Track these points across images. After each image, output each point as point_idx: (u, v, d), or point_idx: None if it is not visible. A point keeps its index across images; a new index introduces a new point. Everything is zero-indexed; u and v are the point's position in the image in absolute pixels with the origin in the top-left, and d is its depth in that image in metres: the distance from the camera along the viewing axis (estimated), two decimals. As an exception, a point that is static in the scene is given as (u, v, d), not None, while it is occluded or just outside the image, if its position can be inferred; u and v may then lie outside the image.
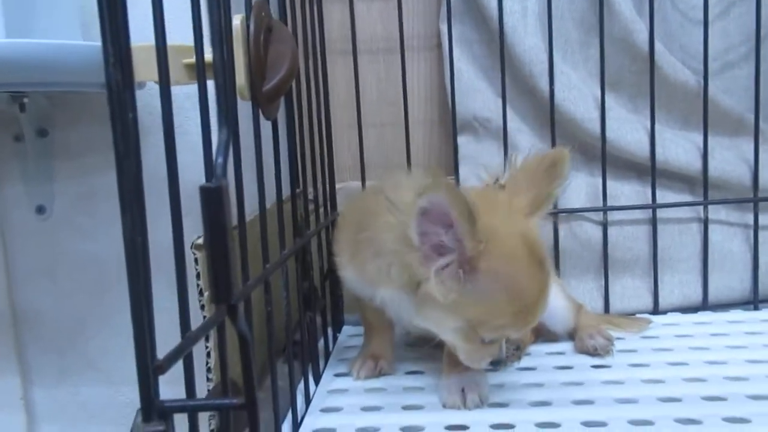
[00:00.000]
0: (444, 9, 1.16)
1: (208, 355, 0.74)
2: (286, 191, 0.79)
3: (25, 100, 0.82)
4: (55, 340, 0.93)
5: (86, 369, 0.93)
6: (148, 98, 0.76)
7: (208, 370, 0.74)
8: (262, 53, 0.68)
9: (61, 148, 0.88)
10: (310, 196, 1.06)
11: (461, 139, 1.18)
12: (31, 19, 0.69)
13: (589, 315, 1.02)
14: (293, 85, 0.92)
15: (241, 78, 0.65)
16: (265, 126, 0.71)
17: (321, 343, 1.02)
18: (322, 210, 1.08)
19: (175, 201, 0.46)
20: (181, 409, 0.40)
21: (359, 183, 1.18)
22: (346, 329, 1.15)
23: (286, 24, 0.88)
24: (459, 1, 1.18)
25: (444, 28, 1.17)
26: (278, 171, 0.76)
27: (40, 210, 0.90)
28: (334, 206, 1.15)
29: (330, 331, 1.08)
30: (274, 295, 0.70)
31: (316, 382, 0.91)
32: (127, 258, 0.39)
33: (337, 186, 1.17)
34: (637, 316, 1.10)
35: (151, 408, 0.40)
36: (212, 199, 0.33)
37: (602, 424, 0.73)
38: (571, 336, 0.99)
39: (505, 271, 0.69)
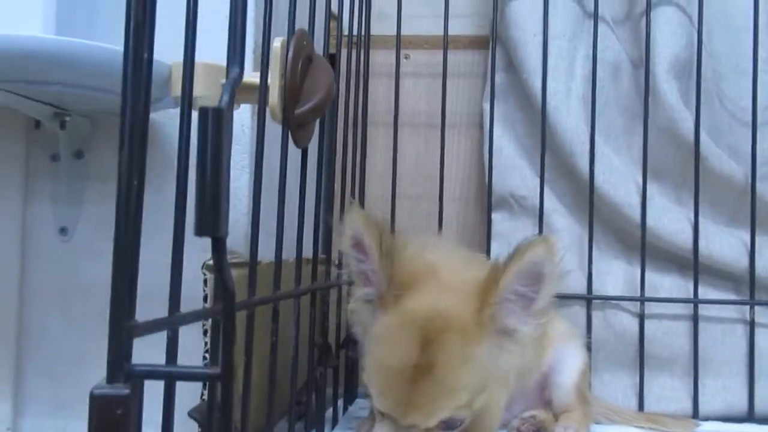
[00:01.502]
0: (488, 87, 1.18)
1: (205, 333, 0.70)
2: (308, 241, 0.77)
3: (67, 118, 0.84)
4: (54, 367, 0.90)
5: (80, 402, 0.87)
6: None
7: (206, 351, 0.70)
8: (298, 78, 0.68)
9: (95, 172, 0.89)
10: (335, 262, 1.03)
11: (496, 216, 1.15)
12: (85, 20, 0.71)
13: (587, 408, 0.92)
14: (330, 149, 0.93)
15: (274, 98, 0.66)
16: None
17: (330, 411, 0.96)
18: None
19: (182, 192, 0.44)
20: (151, 375, 0.36)
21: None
22: (360, 402, 1.08)
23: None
24: (503, 81, 1.20)
25: (486, 106, 1.18)
26: (302, 209, 0.74)
27: (63, 231, 0.89)
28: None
29: (341, 402, 1.02)
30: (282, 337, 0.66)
31: (319, 444, 0.84)
32: (118, 200, 0.37)
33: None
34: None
35: (119, 369, 0.36)
36: (211, 119, 0.31)
37: None
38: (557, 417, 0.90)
39: (387, 341, 0.68)
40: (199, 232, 0.31)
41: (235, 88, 0.36)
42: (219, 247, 0.32)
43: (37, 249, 0.90)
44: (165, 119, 0.84)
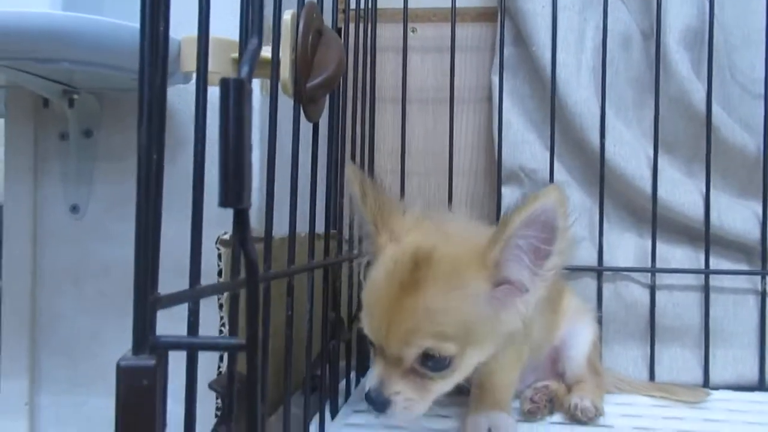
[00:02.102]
0: (497, 61, 1.17)
1: (221, 307, 0.70)
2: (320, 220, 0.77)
3: (75, 96, 0.84)
4: (70, 346, 0.91)
5: (97, 380, 0.90)
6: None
7: (222, 325, 0.70)
8: (309, 51, 0.67)
9: (104, 150, 0.89)
10: (346, 237, 1.03)
11: (506, 190, 1.15)
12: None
13: (600, 380, 0.92)
14: (340, 125, 0.93)
15: (285, 72, 0.65)
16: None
17: (343, 383, 0.97)
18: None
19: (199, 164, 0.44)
20: (175, 346, 0.36)
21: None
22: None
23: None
24: (512, 54, 1.19)
25: (495, 79, 1.17)
26: (314, 184, 0.74)
27: (74, 209, 0.89)
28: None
29: (354, 374, 1.03)
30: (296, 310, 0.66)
31: (333, 416, 0.85)
32: (139, 175, 0.37)
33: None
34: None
35: (144, 341, 0.36)
36: (233, 90, 0.31)
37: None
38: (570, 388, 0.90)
39: (382, 265, 0.69)
40: (224, 203, 0.31)
41: (256, 59, 0.36)
42: (242, 219, 0.32)
43: (49, 228, 0.91)
44: (175, 96, 0.84)
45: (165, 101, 0.36)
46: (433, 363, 0.65)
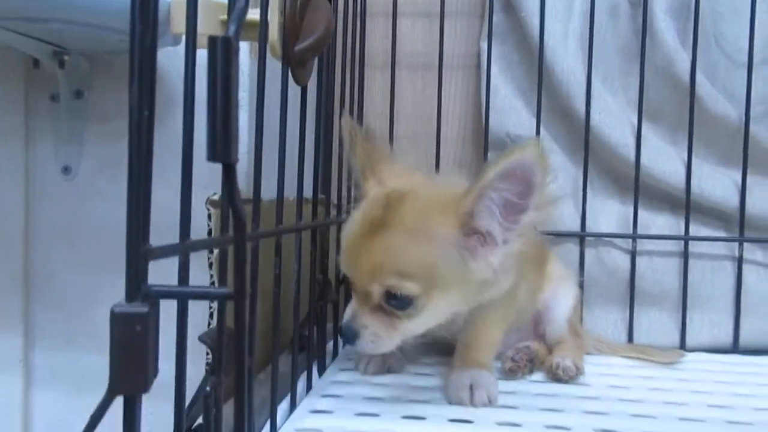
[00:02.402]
0: (486, 27, 1.17)
1: (210, 266, 0.73)
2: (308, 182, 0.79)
3: (66, 57, 0.84)
4: (63, 304, 0.92)
5: (91, 337, 0.92)
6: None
7: (212, 283, 0.72)
8: (297, 14, 0.68)
9: (95, 111, 0.90)
10: (334, 201, 1.05)
11: (492, 155, 1.17)
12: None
13: (580, 341, 0.96)
14: (328, 89, 0.94)
15: (273, 34, 0.66)
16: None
17: (330, 345, 0.99)
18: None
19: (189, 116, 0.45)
20: (167, 295, 0.38)
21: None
22: (358, 336, 1.11)
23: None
24: (501, 20, 1.19)
25: (484, 46, 1.18)
26: (302, 149, 0.75)
27: (66, 170, 0.90)
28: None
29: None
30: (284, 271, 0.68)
31: (320, 374, 0.88)
32: (130, 131, 0.38)
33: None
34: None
35: (136, 290, 0.38)
36: (220, 48, 0.32)
37: (615, 432, 0.68)
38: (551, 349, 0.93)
39: (360, 206, 0.74)
40: (212, 158, 0.33)
41: (243, 18, 0.37)
42: (230, 174, 0.34)
43: (41, 189, 0.92)
44: (164, 58, 0.84)
45: (155, 60, 0.37)
46: (396, 301, 0.68)
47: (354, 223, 0.72)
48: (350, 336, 0.70)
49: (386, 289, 0.67)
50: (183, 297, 0.39)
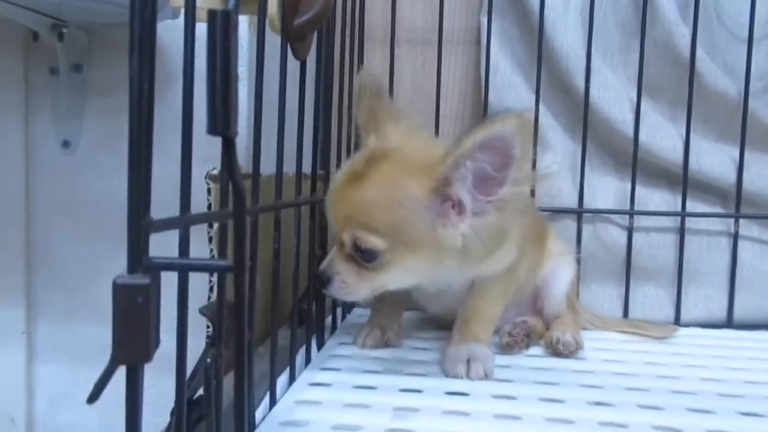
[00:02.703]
0: (486, 2, 1.17)
1: (210, 240, 0.73)
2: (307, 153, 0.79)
3: (65, 30, 0.84)
4: (65, 277, 0.93)
5: (92, 310, 0.93)
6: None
7: (212, 256, 0.73)
8: (296, -13, 0.68)
9: (94, 85, 0.90)
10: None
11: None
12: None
13: (577, 316, 0.97)
14: (328, 64, 0.94)
15: (272, 8, 0.66)
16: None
17: (329, 319, 1.00)
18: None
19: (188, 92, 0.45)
20: (168, 267, 0.39)
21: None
22: (357, 311, 1.12)
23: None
24: (502, -5, 1.19)
25: (484, 21, 1.17)
26: (301, 125, 0.75)
27: (66, 145, 0.91)
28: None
29: (340, 310, 1.07)
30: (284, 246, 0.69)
31: (319, 348, 0.89)
32: (131, 104, 0.39)
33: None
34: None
35: (138, 262, 0.38)
36: (220, 21, 0.32)
37: (609, 405, 0.69)
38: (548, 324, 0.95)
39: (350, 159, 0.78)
40: (212, 131, 0.33)
41: (242, -8, 0.37)
42: (230, 147, 0.34)
43: (41, 163, 0.92)
44: (163, 31, 0.84)
45: (155, 32, 0.37)
46: (362, 253, 0.70)
47: (340, 173, 0.75)
48: (323, 280, 0.73)
49: (353, 239, 0.69)
50: (183, 269, 0.40)
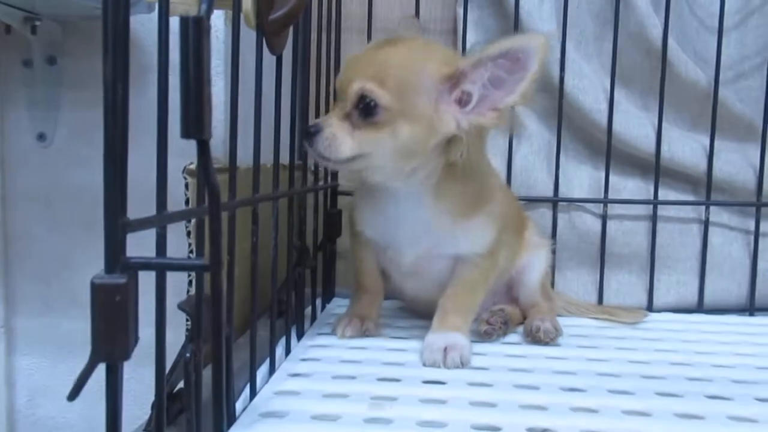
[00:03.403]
0: (462, -8, 1.17)
1: (188, 234, 0.74)
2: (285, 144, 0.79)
3: (38, 23, 0.83)
4: (43, 270, 0.93)
5: (70, 302, 0.93)
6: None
7: (190, 252, 0.74)
8: (271, -18, 0.68)
9: (69, 77, 0.89)
10: (311, 167, 1.06)
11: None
12: None
13: (552, 304, 0.99)
14: (306, 56, 0.94)
15: (247, 4, 0.66)
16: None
17: (309, 310, 1.01)
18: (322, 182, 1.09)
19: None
20: (145, 266, 0.39)
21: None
22: (337, 300, 1.13)
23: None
24: (478, -15, 1.19)
25: (460, 11, 1.18)
26: (278, 117, 0.76)
27: (41, 137, 0.90)
28: (335, 176, 1.14)
29: (319, 300, 1.07)
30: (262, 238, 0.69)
31: (299, 338, 0.90)
32: (105, 105, 0.39)
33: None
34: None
35: (115, 262, 0.39)
36: (192, 28, 0.33)
37: (581, 390, 0.71)
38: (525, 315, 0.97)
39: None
40: (186, 135, 0.34)
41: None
42: (204, 149, 0.35)
43: (17, 155, 0.92)
44: (137, 24, 0.84)
45: (128, 36, 0.38)
46: (364, 106, 0.73)
47: (359, 51, 0.80)
48: (312, 132, 0.75)
49: (360, 91, 0.73)
50: (160, 268, 0.41)
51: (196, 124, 0.33)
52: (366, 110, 0.73)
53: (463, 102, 0.73)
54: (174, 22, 0.48)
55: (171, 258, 0.40)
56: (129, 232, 0.41)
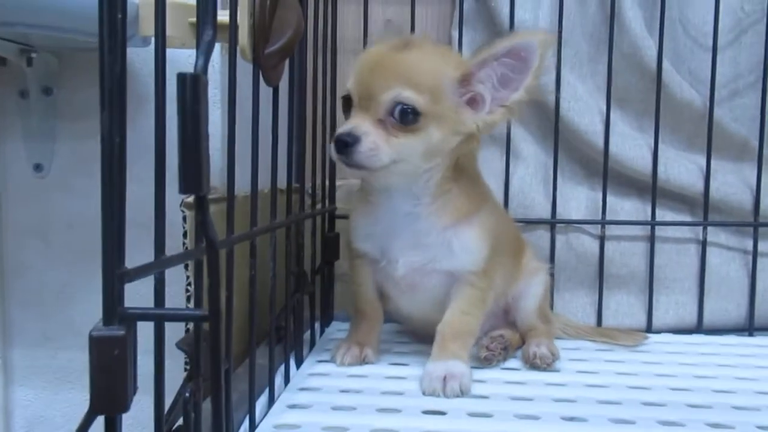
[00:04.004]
0: (457, 15, 1.18)
1: (189, 285, 0.74)
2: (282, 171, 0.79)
3: (34, 54, 0.84)
4: (39, 301, 0.93)
5: (68, 333, 0.93)
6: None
7: (188, 299, 0.73)
8: (266, 15, 0.68)
9: (65, 108, 0.89)
10: (309, 190, 1.06)
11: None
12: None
13: (550, 327, 0.99)
14: (302, 83, 0.94)
15: (244, 38, 0.66)
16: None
17: (307, 334, 1.01)
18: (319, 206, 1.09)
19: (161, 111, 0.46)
20: (143, 317, 0.39)
21: (360, 181, 1.18)
22: (336, 324, 1.13)
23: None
24: (472, 8, 1.20)
25: (455, 34, 1.18)
26: (275, 146, 0.76)
27: (38, 168, 0.90)
28: (333, 200, 1.14)
29: (318, 324, 1.07)
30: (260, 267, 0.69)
31: (298, 366, 0.89)
32: (103, 157, 0.39)
33: (338, 183, 1.17)
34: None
35: (113, 313, 0.39)
36: (189, 85, 0.33)
37: (582, 420, 0.71)
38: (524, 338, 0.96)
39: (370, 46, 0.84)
40: (184, 190, 0.34)
41: (211, 52, 0.37)
42: (202, 204, 0.35)
43: (14, 186, 0.92)
44: (134, 55, 0.84)
45: (125, 88, 0.38)
46: (401, 112, 0.74)
47: (372, 48, 0.81)
48: (351, 141, 0.74)
49: (398, 98, 0.73)
50: (159, 319, 0.40)
51: (194, 181, 0.33)
52: (404, 117, 0.74)
53: (475, 102, 0.76)
54: (170, 54, 0.48)
55: (169, 309, 0.40)
56: (127, 282, 0.40)
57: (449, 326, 0.84)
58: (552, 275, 1.06)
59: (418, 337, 0.97)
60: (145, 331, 0.43)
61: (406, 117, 0.74)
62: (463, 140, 0.79)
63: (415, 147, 0.76)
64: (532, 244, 1.08)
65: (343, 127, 0.76)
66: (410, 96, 0.73)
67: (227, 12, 0.64)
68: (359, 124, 0.75)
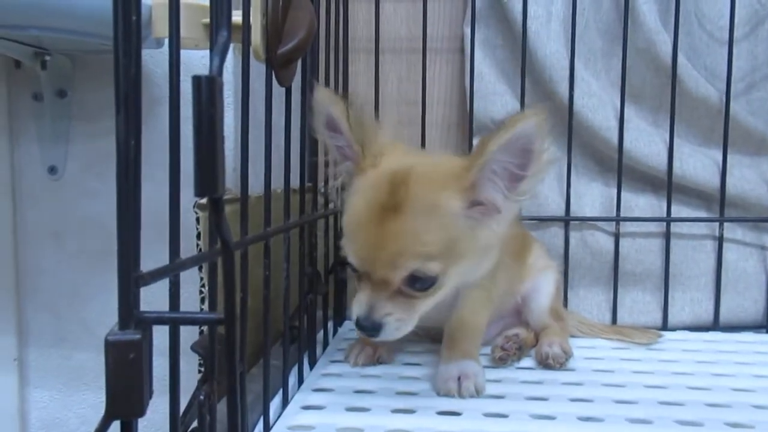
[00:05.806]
0: (469, 12, 1.17)
1: (203, 286, 0.74)
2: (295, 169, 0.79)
3: (47, 57, 0.84)
4: (54, 302, 0.93)
5: (82, 333, 0.93)
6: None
7: (202, 300, 0.73)
8: (279, 15, 0.68)
9: (79, 110, 0.90)
10: (321, 190, 1.06)
11: (477, 141, 1.17)
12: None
13: (563, 324, 0.98)
14: (313, 75, 0.94)
15: (257, 38, 0.66)
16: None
17: (320, 334, 1.01)
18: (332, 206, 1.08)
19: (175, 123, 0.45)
20: (158, 321, 0.39)
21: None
22: (349, 324, 1.13)
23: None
24: (484, 5, 1.19)
25: (468, 30, 1.18)
26: (288, 146, 0.75)
27: (52, 170, 0.90)
28: (345, 199, 1.14)
29: (331, 323, 1.07)
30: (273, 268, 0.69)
31: (311, 366, 0.89)
32: (118, 161, 0.39)
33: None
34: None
35: (129, 317, 0.39)
36: (204, 87, 0.33)
37: (599, 420, 0.70)
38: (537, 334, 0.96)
39: (361, 190, 0.72)
40: (200, 193, 0.33)
41: (226, 53, 0.37)
42: (217, 206, 0.34)
43: (28, 189, 0.92)
44: (147, 56, 0.84)
45: (140, 91, 0.38)
46: (420, 283, 0.69)
47: (360, 211, 0.71)
48: (373, 329, 0.70)
49: (410, 273, 0.68)
50: (174, 323, 0.40)
51: (210, 183, 0.33)
52: (423, 286, 0.69)
53: (486, 209, 0.70)
54: (184, 55, 0.48)
55: (185, 312, 0.40)
56: (143, 286, 0.40)
57: (457, 326, 0.84)
58: (564, 273, 1.05)
59: (427, 333, 0.97)
60: (159, 332, 0.43)
61: (426, 285, 0.69)
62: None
63: (438, 297, 0.72)
64: (542, 241, 1.07)
65: (360, 309, 0.71)
66: (424, 267, 0.68)
67: (240, 12, 0.64)
68: (375, 303, 0.70)
